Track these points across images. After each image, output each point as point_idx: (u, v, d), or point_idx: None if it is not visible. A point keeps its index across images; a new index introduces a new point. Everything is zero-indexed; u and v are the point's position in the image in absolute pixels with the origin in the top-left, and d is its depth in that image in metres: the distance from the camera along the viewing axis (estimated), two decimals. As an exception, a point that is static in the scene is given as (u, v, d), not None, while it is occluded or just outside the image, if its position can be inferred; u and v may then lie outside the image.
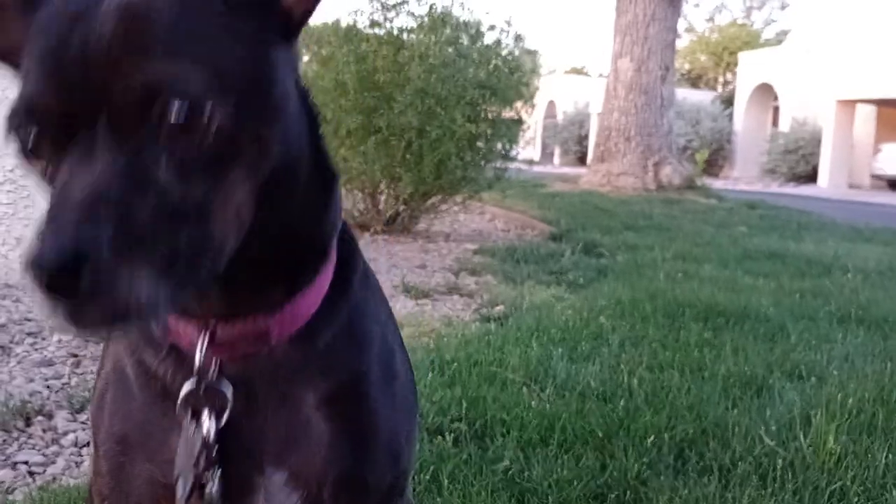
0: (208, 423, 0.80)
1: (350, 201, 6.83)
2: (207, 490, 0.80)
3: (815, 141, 24.16)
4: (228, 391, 0.81)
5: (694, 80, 40.27)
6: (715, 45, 41.43)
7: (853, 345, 3.55)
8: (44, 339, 3.02)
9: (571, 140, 32.51)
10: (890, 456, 2.17)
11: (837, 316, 4.13)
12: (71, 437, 2.23)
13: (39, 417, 2.31)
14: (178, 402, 0.81)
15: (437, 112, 6.02)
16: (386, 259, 5.46)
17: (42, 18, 0.68)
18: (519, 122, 7.14)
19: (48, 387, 2.56)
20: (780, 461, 2.09)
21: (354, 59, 6.04)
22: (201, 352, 0.79)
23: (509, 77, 6.77)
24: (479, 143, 6.64)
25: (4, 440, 2.17)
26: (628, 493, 1.97)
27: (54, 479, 2.00)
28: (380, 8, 6.39)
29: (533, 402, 2.51)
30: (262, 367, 0.82)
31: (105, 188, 0.60)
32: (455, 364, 2.85)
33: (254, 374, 0.82)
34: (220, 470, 0.80)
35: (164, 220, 0.62)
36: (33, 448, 2.15)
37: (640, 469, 2.05)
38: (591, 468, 2.05)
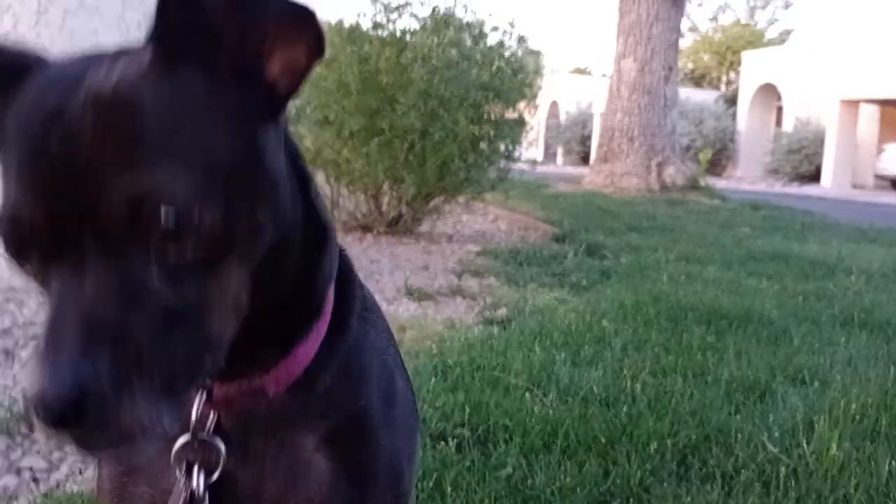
0: (198, 479, 0.80)
1: (353, 203, 6.84)
2: None
3: (819, 141, 24.13)
4: (222, 447, 0.81)
5: (697, 80, 40.24)
6: (718, 45, 41.39)
7: (856, 348, 3.54)
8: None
9: (574, 140, 32.50)
10: (893, 463, 2.16)
11: (841, 319, 4.13)
12: (75, 442, 2.23)
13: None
14: (172, 455, 0.81)
15: (440, 113, 6.02)
16: (389, 260, 5.46)
17: (17, 116, 0.65)
18: (522, 122, 7.14)
19: (52, 391, 2.56)
20: (783, 469, 2.09)
21: (357, 61, 6.04)
22: (197, 409, 0.79)
23: (512, 78, 6.77)
24: (482, 145, 6.64)
25: (8, 445, 2.17)
26: (631, 500, 1.97)
27: (58, 485, 2.01)
28: (383, 9, 6.39)
29: (536, 408, 2.51)
30: (260, 418, 0.82)
31: (99, 309, 0.59)
32: (458, 369, 2.85)
33: (252, 424, 0.82)
34: None
35: (162, 331, 0.61)
36: (37, 454, 2.16)
37: (643, 476, 2.05)
38: (594, 475, 2.05)
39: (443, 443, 2.22)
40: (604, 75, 32.48)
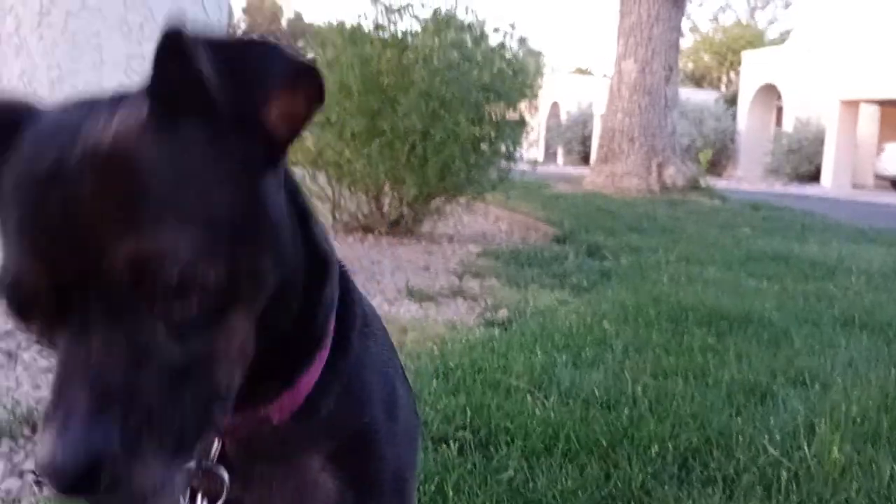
0: None
1: (354, 203, 6.84)
2: None
3: (819, 141, 24.16)
4: (225, 476, 0.81)
5: (697, 80, 40.26)
6: (719, 45, 41.43)
7: (857, 350, 3.55)
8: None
9: (575, 140, 32.54)
10: (895, 466, 2.16)
11: (841, 320, 4.13)
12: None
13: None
14: None
15: (441, 115, 6.03)
16: (390, 261, 5.47)
17: (12, 175, 0.64)
18: (522, 123, 7.15)
19: (54, 394, 2.56)
20: (784, 472, 2.09)
21: (359, 62, 6.05)
22: None
23: (513, 79, 6.78)
24: (483, 146, 6.65)
25: (11, 448, 2.18)
26: (632, 503, 1.97)
27: (61, 488, 2.00)
28: (384, 11, 6.40)
29: (537, 411, 2.52)
30: (265, 443, 0.82)
31: (107, 372, 0.59)
32: (459, 371, 2.85)
33: (256, 450, 0.82)
34: None
35: (171, 388, 0.61)
36: (40, 457, 2.15)
37: (644, 479, 2.06)
38: (595, 478, 2.05)
39: (444, 446, 2.22)
40: (604, 75, 32.51)
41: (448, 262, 5.64)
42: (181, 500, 0.80)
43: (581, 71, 45.97)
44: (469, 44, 6.65)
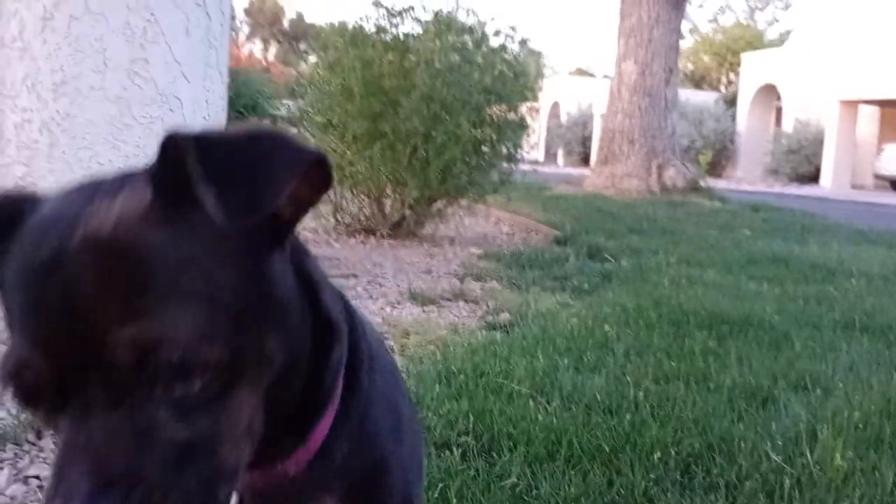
0: None
1: (356, 206, 6.86)
2: None
3: (818, 141, 24.18)
4: None
5: (697, 81, 40.28)
6: (718, 46, 41.43)
7: (858, 353, 3.55)
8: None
9: (575, 141, 32.57)
10: (896, 472, 2.17)
11: (842, 323, 4.14)
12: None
13: (51, 431, 2.32)
14: None
15: (443, 117, 6.04)
16: (392, 264, 5.47)
17: (14, 264, 0.65)
18: (524, 126, 7.15)
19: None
20: (787, 479, 2.10)
21: (360, 65, 6.06)
22: None
23: (514, 81, 6.79)
24: (485, 148, 6.66)
25: (16, 454, 2.18)
26: (635, 509, 1.98)
27: (66, 493, 2.01)
28: (385, 14, 6.41)
29: (539, 416, 2.52)
30: (281, 492, 0.82)
31: (107, 453, 0.59)
32: (462, 376, 2.86)
33: (273, 499, 0.83)
34: None
35: (175, 468, 0.61)
36: (45, 462, 2.16)
37: (647, 485, 2.06)
38: (597, 484, 2.06)
39: (447, 452, 2.23)
40: (605, 76, 32.53)
41: (449, 264, 5.65)
42: None
43: (581, 71, 45.99)
44: (470, 46, 6.66)
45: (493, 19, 6.92)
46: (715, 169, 25.93)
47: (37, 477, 2.08)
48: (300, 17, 59.92)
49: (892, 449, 2.37)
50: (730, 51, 39.73)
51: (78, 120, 3.64)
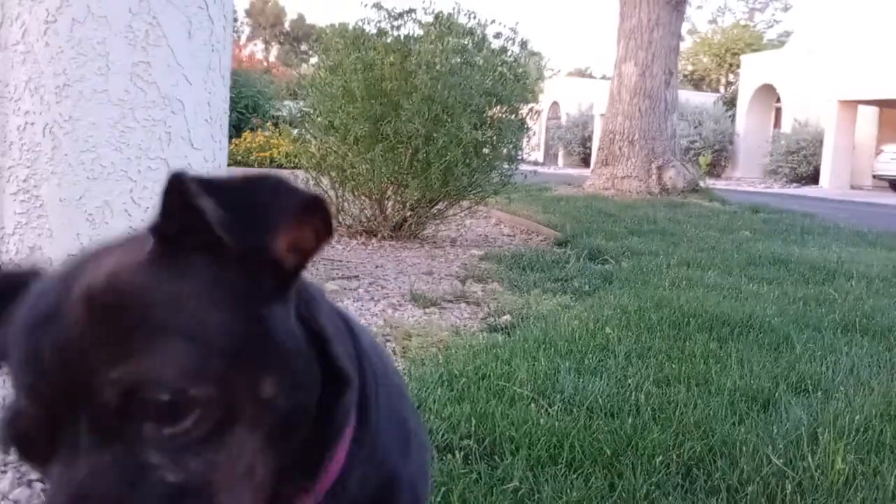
0: None
1: (357, 207, 6.87)
2: None
3: (817, 142, 24.19)
4: None
5: (697, 82, 40.30)
6: (718, 47, 41.43)
7: (858, 356, 3.56)
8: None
9: (575, 142, 32.57)
10: (897, 476, 2.18)
11: (842, 325, 4.14)
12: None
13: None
14: None
15: (444, 119, 6.05)
16: (394, 265, 5.48)
17: (16, 324, 0.66)
18: (524, 128, 7.16)
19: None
20: (788, 483, 2.11)
21: (362, 67, 6.07)
22: None
23: (515, 83, 6.80)
24: (486, 150, 6.67)
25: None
26: (637, 513, 1.99)
27: (69, 497, 2.01)
28: (387, 16, 6.42)
29: (541, 419, 2.53)
30: None
31: (91, 489, 0.59)
32: (464, 379, 2.87)
33: None
34: None
35: None
36: (48, 465, 2.17)
37: (648, 489, 2.07)
38: (599, 488, 2.07)
39: (450, 455, 2.24)
40: (604, 76, 32.53)
41: (451, 266, 5.66)
42: None
43: (580, 72, 46.01)
44: (471, 48, 6.67)
45: (493, 21, 6.92)
46: (714, 170, 25.94)
47: (41, 481, 2.09)
48: (301, 18, 59.93)
49: (894, 452, 2.38)
50: (729, 52, 39.76)
51: (81, 123, 3.64)
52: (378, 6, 6.49)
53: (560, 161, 32.99)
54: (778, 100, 27.08)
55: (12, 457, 2.18)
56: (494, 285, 4.99)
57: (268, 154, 16.30)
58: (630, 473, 2.15)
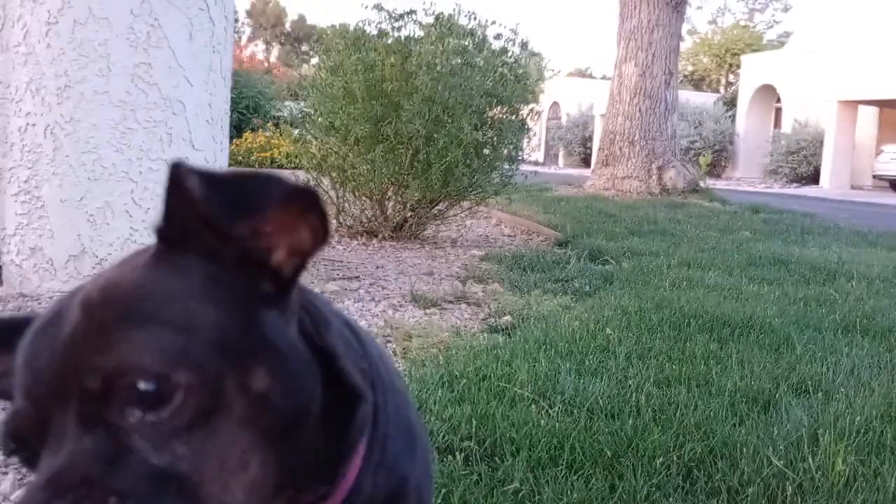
0: None
1: (358, 208, 6.88)
2: None
3: (818, 142, 24.22)
4: None
5: (697, 82, 40.32)
6: (718, 47, 41.46)
7: (859, 356, 3.56)
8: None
9: (575, 142, 32.60)
10: (897, 477, 2.18)
11: (842, 326, 4.15)
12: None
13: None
14: None
15: (445, 120, 6.06)
16: (394, 266, 5.49)
17: (24, 337, 0.68)
18: (524, 129, 7.17)
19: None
20: (788, 484, 2.11)
21: (363, 68, 6.08)
22: None
23: (515, 84, 6.81)
24: (486, 150, 6.68)
25: (22, 458, 2.19)
26: (638, 515, 1.99)
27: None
28: (387, 18, 6.43)
29: (542, 420, 2.53)
30: None
31: (69, 471, 0.60)
32: (464, 380, 2.87)
33: None
34: None
35: (146, 494, 0.60)
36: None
37: (649, 491, 2.07)
38: (600, 490, 2.07)
39: (450, 456, 2.24)
40: (604, 77, 32.55)
41: (451, 266, 5.67)
42: None
43: (581, 72, 46.03)
44: (471, 49, 6.68)
45: (493, 22, 6.93)
46: (714, 170, 25.96)
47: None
48: (302, 18, 59.99)
49: (894, 453, 2.38)
50: (729, 52, 39.79)
51: (82, 124, 3.66)
52: (379, 7, 6.50)
53: (560, 161, 33.02)
54: (778, 100, 27.10)
55: (13, 458, 2.19)
56: (495, 286, 4.99)
57: (268, 154, 16.32)
58: (630, 475, 2.15)
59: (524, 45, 7.02)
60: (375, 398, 0.86)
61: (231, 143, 8.87)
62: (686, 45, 39.99)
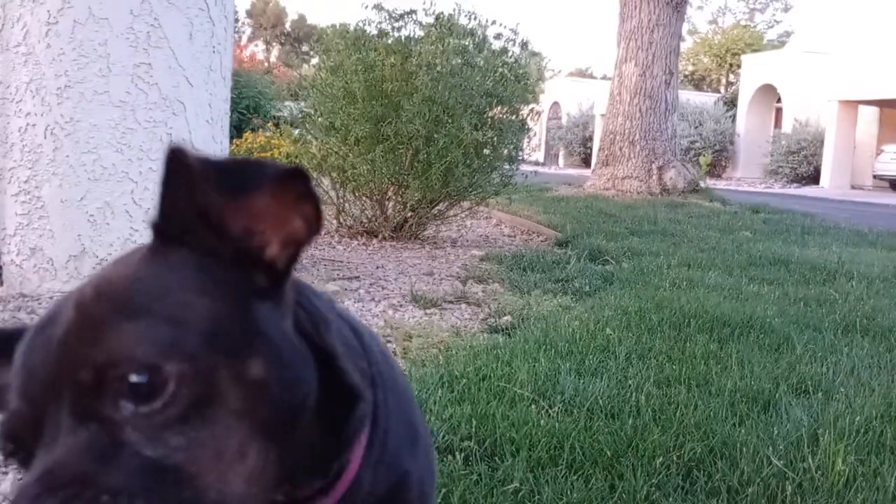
0: None
1: (358, 208, 6.88)
2: None
3: (818, 142, 24.23)
4: None
5: (697, 82, 40.32)
6: (718, 47, 41.46)
7: (858, 356, 3.56)
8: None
9: (576, 142, 32.60)
10: (897, 477, 2.18)
11: (842, 326, 4.15)
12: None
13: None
14: None
15: (445, 120, 6.06)
16: (395, 266, 5.49)
17: (22, 340, 0.68)
18: (525, 129, 7.17)
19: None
20: (788, 484, 2.11)
21: (363, 68, 6.08)
22: None
23: (515, 84, 6.81)
24: (486, 150, 6.68)
25: (22, 458, 2.19)
26: (638, 514, 1.99)
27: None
28: (388, 18, 6.43)
29: (542, 420, 2.53)
30: None
31: (62, 466, 0.60)
32: (464, 380, 2.87)
33: None
34: None
35: (141, 486, 0.60)
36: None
37: (648, 490, 2.07)
38: (600, 489, 2.07)
39: (450, 456, 2.24)
40: (604, 76, 32.56)
41: (451, 266, 5.67)
42: None
43: (581, 72, 46.05)
44: (471, 49, 6.68)
45: (494, 22, 6.93)
46: (715, 170, 25.97)
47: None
48: (302, 18, 60.03)
49: (894, 453, 2.38)
50: (729, 52, 39.79)
51: (82, 124, 3.66)
52: (379, 7, 6.51)
53: (561, 161, 33.02)
54: (778, 100, 27.10)
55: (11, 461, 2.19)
56: (495, 286, 4.99)
57: (269, 155, 16.32)
58: (630, 475, 2.16)
59: (524, 45, 7.02)
60: (375, 395, 0.86)
61: (231, 143, 8.89)
62: (686, 44, 40.03)
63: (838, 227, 9.76)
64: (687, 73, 40.35)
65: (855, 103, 23.61)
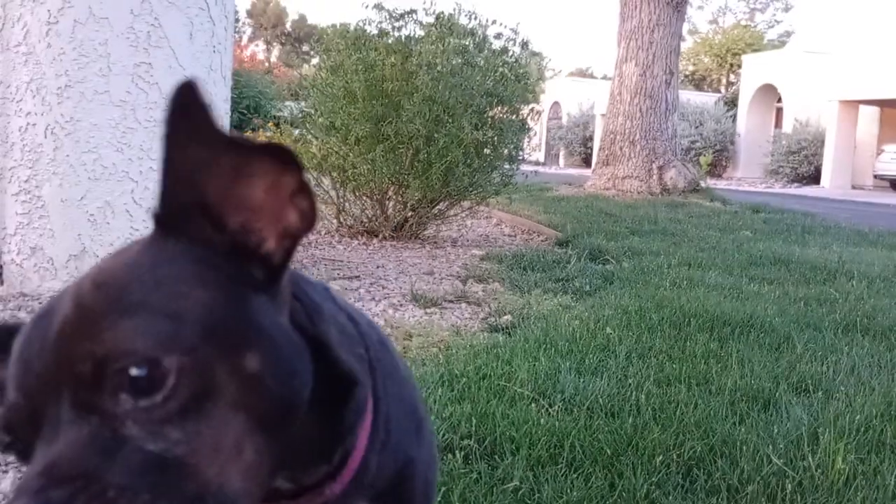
0: None
1: (358, 208, 6.88)
2: None
3: (818, 142, 24.22)
4: None
5: (698, 82, 40.31)
6: (718, 47, 41.46)
7: (859, 356, 3.57)
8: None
9: (576, 142, 32.59)
10: (897, 476, 2.18)
11: (843, 325, 4.15)
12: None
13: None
14: None
15: (445, 120, 6.06)
16: (395, 266, 5.49)
17: (20, 333, 0.69)
18: (525, 128, 7.17)
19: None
20: (788, 482, 2.11)
21: (363, 68, 6.08)
22: None
23: (515, 84, 6.81)
24: (486, 150, 6.68)
25: (22, 457, 2.19)
26: (638, 513, 1.99)
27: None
28: (388, 17, 6.43)
29: (542, 419, 2.53)
30: None
31: (64, 461, 0.60)
32: (464, 378, 2.87)
33: None
34: None
35: (142, 479, 0.60)
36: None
37: (648, 489, 2.07)
38: (599, 488, 2.07)
39: (450, 455, 2.24)
40: (605, 76, 32.57)
41: (451, 266, 5.67)
42: None
43: (581, 72, 46.05)
44: (472, 49, 6.68)
45: (494, 22, 6.93)
46: (715, 169, 25.97)
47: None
48: (303, 18, 60.05)
49: (894, 452, 2.38)
50: (730, 52, 39.79)
51: (82, 124, 3.67)
52: (379, 7, 6.51)
53: (561, 161, 33.01)
54: (779, 100, 27.09)
55: (12, 457, 2.19)
56: (495, 285, 4.99)
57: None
58: (630, 473, 2.16)
59: (525, 45, 7.02)
60: (374, 382, 0.87)
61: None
62: (687, 44, 40.03)
63: (839, 226, 9.76)
64: (687, 73, 40.36)
65: (855, 103, 23.61)
